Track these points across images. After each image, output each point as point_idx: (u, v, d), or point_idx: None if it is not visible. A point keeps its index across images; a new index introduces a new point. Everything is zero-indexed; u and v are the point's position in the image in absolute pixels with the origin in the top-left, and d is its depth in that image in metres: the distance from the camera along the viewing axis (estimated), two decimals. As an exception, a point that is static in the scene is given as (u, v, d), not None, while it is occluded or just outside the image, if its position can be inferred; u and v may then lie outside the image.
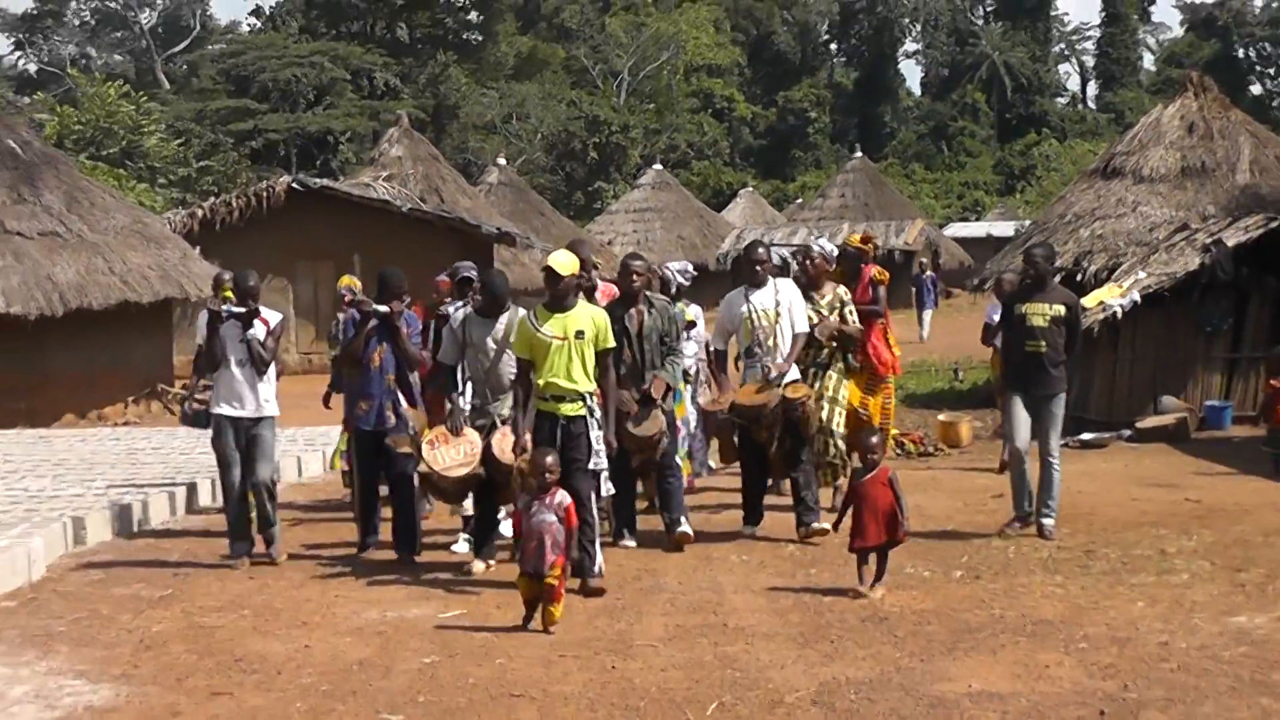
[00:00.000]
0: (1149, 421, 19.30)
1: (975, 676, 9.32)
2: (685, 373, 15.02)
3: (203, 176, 63.80)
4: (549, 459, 10.89)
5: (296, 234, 33.34)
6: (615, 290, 13.96)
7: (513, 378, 12.47)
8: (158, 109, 64.73)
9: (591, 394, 12.04)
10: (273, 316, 13.47)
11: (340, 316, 14.73)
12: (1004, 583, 11.95)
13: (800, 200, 79.31)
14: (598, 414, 12.11)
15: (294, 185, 34.72)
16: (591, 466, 12.00)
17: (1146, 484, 15.74)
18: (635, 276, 13.51)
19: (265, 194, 34.45)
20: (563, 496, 10.79)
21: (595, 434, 12.02)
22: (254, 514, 13.52)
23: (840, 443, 14.47)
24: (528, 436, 11.94)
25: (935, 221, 75.19)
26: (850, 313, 14.64)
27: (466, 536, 13.48)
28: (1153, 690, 8.90)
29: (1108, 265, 22.63)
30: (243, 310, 13.18)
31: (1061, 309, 13.35)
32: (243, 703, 9.27)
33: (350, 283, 15.00)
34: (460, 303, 13.93)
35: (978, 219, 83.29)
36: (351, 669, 9.91)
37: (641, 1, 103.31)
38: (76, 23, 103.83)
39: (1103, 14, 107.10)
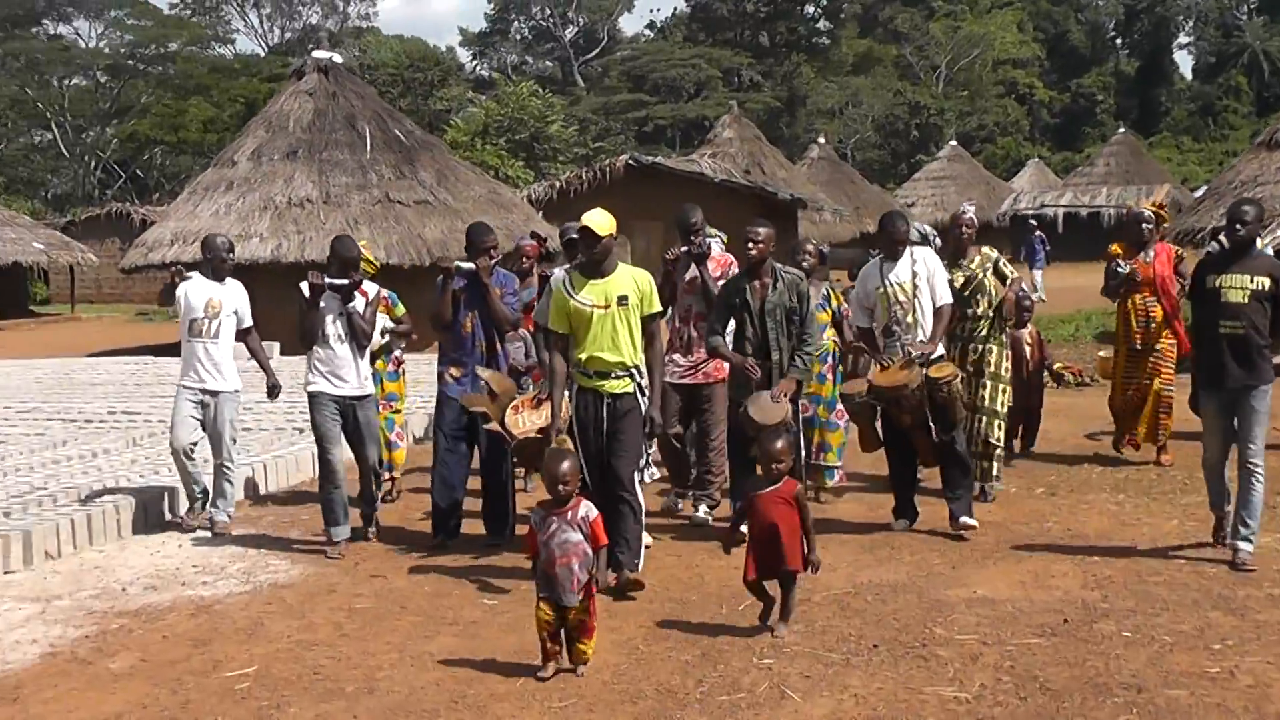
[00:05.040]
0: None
1: (986, 583, 8.56)
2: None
3: (597, 156, 64.20)
4: (565, 465, 7.27)
5: (632, 200, 32.80)
6: (730, 260, 10.73)
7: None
8: (560, 103, 65.25)
9: (639, 368, 8.79)
10: (371, 288, 10.37)
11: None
12: (1072, 500, 11.04)
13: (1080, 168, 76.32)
14: (648, 390, 8.86)
15: (630, 162, 34.50)
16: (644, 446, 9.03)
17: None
18: (751, 245, 9.67)
19: (608, 168, 34.32)
20: (587, 509, 7.26)
21: (645, 413, 8.75)
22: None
23: (1000, 427, 11.19)
24: (563, 417, 8.89)
25: (1192, 186, 71.57)
26: (1005, 264, 11.17)
27: None
28: (1125, 601, 8.04)
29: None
30: (343, 283, 10.05)
31: (1267, 281, 8.75)
32: (390, 584, 9.10)
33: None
34: (567, 264, 10.39)
35: (1232, 182, 78.83)
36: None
37: (959, 9, 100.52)
38: (518, 37, 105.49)
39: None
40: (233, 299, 10.83)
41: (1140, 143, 70.45)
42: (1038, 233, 33.26)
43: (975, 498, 10.70)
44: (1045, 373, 13.54)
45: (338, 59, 29.00)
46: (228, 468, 10.85)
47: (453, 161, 28.72)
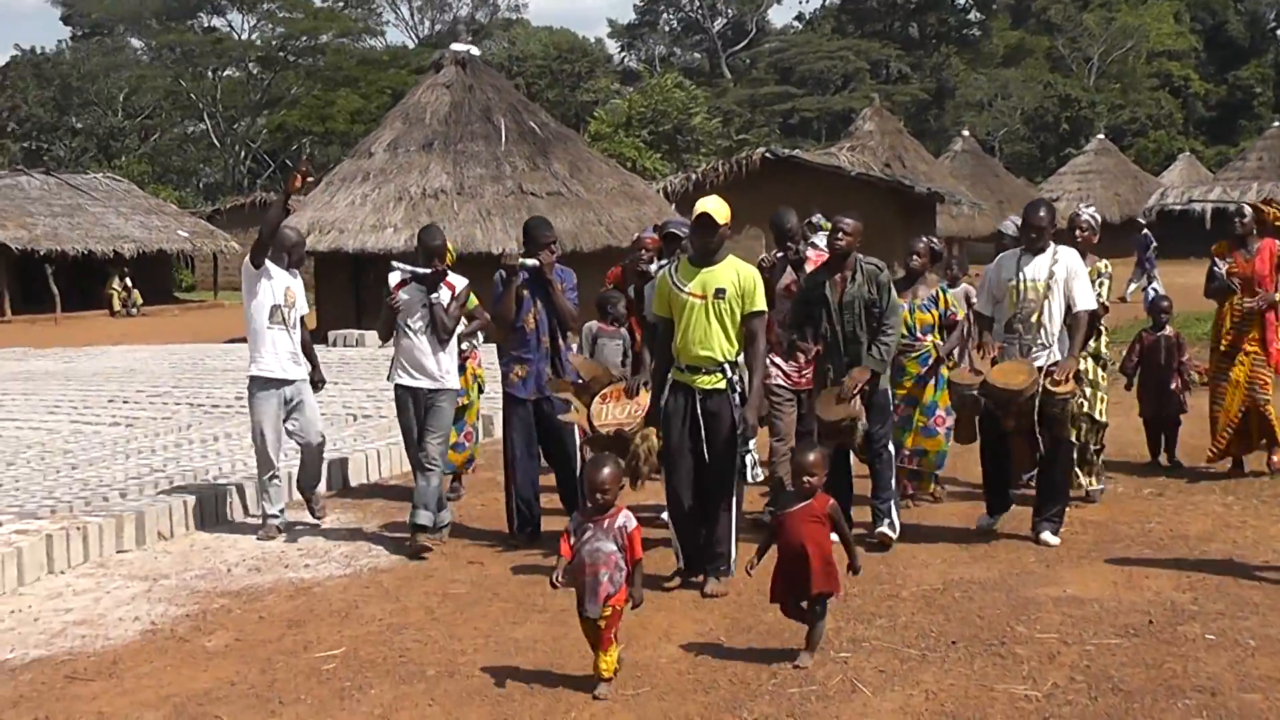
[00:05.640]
0: None
1: (1077, 582, 8.50)
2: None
3: (740, 148, 64.15)
4: (604, 472, 6.92)
5: (768, 193, 32.52)
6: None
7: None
8: (704, 95, 65.42)
9: (734, 364, 8.55)
10: (458, 281, 10.05)
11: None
12: (1179, 500, 10.86)
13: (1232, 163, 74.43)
14: (740, 388, 8.58)
15: (767, 155, 34.42)
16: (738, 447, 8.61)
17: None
18: (841, 236, 9.32)
19: (744, 161, 34.27)
20: (625, 519, 6.89)
21: (737, 412, 8.52)
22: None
23: (1099, 435, 10.80)
24: (640, 416, 8.88)
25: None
26: (1102, 286, 10.47)
27: None
28: (1215, 604, 7.92)
29: None
30: (427, 272, 9.84)
31: None
32: (486, 570, 9.26)
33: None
34: (665, 260, 10.19)
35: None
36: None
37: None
38: (666, 29, 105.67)
39: None
40: (301, 291, 10.66)
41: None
42: (1144, 232, 31.06)
43: (1079, 498, 10.61)
44: (1178, 379, 12.61)
45: (475, 52, 29.40)
46: (321, 449, 10.80)
47: (586, 153, 28.96)
